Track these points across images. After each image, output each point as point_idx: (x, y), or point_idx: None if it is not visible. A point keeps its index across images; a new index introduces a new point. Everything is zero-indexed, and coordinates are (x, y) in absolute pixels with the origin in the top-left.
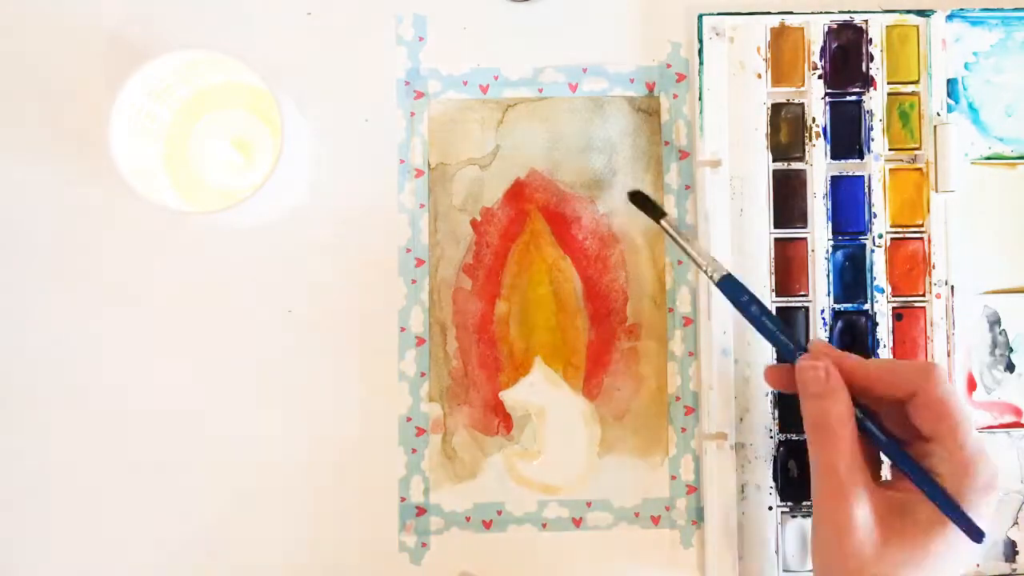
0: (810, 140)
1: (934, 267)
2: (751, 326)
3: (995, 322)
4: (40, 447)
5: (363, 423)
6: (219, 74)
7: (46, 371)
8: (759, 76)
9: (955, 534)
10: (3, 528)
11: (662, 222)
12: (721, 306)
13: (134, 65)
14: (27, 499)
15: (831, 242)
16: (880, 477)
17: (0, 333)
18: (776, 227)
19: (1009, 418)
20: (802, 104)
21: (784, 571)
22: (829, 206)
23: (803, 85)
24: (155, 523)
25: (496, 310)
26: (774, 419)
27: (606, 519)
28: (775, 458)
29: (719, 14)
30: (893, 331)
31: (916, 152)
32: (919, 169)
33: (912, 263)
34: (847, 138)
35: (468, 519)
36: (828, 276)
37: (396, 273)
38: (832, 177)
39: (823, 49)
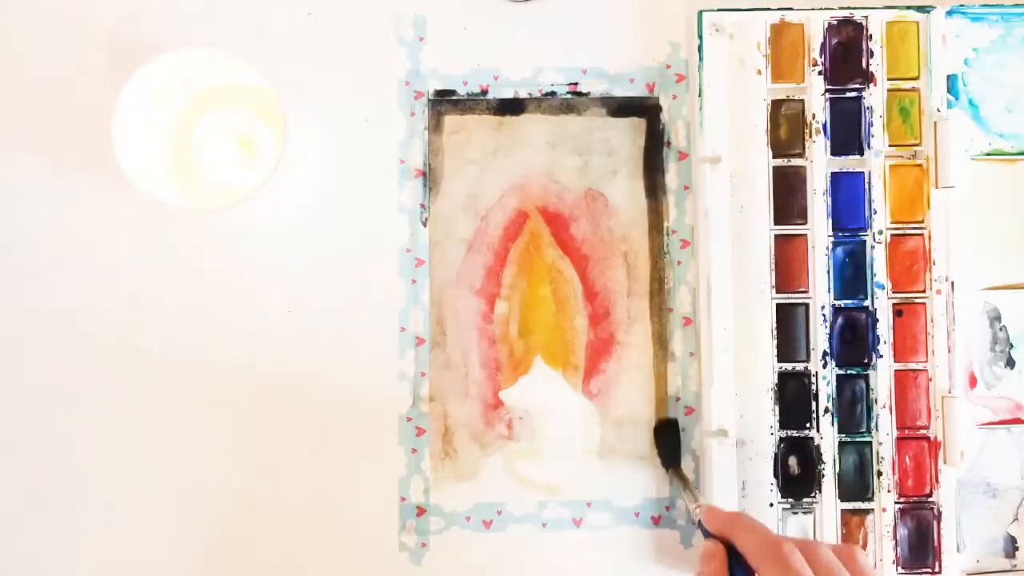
0: (810, 136)
1: (934, 263)
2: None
3: (995, 318)
4: (41, 446)
5: (363, 423)
6: (221, 74)
7: (47, 369)
8: (759, 72)
9: None
10: (6, 528)
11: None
12: (721, 305)
13: (136, 64)
14: (27, 499)
15: (831, 238)
16: None
17: (1, 332)
18: (776, 223)
19: (1009, 414)
20: (802, 100)
21: None
22: (829, 202)
23: (803, 81)
24: (155, 523)
25: (496, 310)
26: (775, 416)
27: (606, 519)
28: (776, 455)
29: (719, 10)
30: (893, 327)
31: (916, 148)
32: (919, 165)
33: (912, 259)
34: (847, 134)
35: (468, 519)
36: (828, 272)
37: (396, 273)
38: (832, 173)
39: (823, 45)
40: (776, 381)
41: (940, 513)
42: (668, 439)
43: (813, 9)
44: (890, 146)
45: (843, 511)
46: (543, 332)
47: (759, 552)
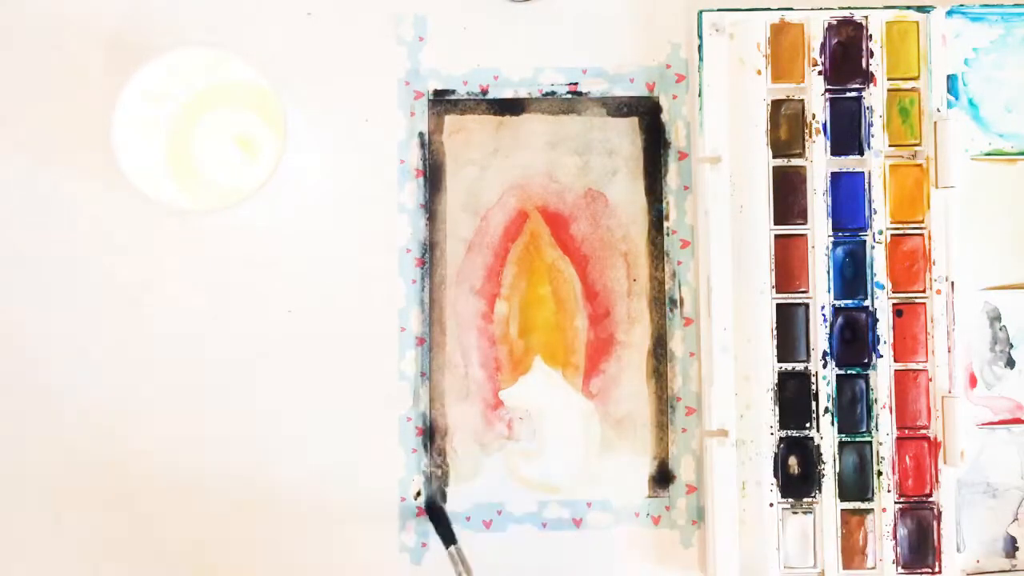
0: (810, 136)
1: (934, 263)
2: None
3: (995, 318)
4: (41, 445)
5: (363, 423)
6: (221, 74)
7: (47, 369)
8: (759, 72)
9: None
10: (6, 526)
11: (451, 549)
12: (721, 305)
13: (136, 64)
14: (28, 498)
15: (831, 238)
16: None
17: (2, 332)
18: (776, 224)
19: (1009, 414)
20: (802, 100)
21: (785, 567)
22: (829, 202)
23: (803, 81)
24: (155, 523)
25: (496, 310)
26: (775, 416)
27: (606, 519)
28: (776, 455)
29: (719, 10)
30: (893, 327)
31: (916, 148)
32: (919, 165)
33: (912, 259)
34: (847, 134)
35: (468, 519)
36: (828, 272)
37: (396, 273)
38: (832, 173)
39: (823, 45)
40: (776, 381)
41: (940, 513)
42: (441, 521)
43: (813, 9)
44: (890, 146)
45: (843, 511)
46: (543, 332)
47: None
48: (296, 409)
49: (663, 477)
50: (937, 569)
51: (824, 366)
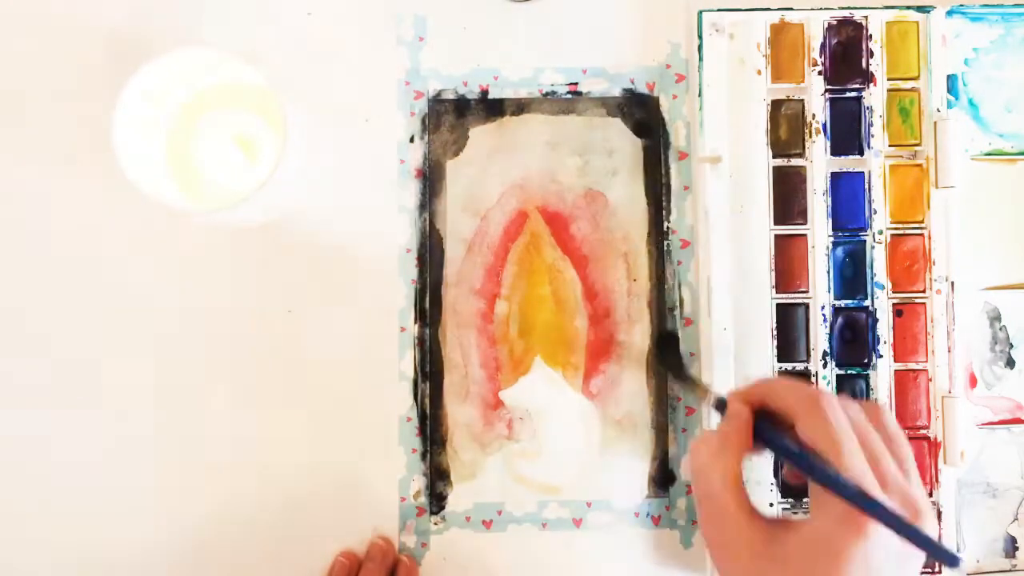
0: (810, 136)
1: (934, 263)
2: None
3: (995, 318)
4: (41, 446)
5: (363, 423)
6: (221, 74)
7: (47, 369)
8: (759, 72)
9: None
10: (3, 528)
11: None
12: (721, 305)
13: (135, 65)
14: (26, 499)
15: (831, 238)
16: None
17: (2, 331)
18: (776, 223)
19: (1009, 414)
20: (802, 100)
21: None
22: (829, 202)
23: (803, 81)
24: (155, 523)
25: (496, 310)
26: None
27: (606, 519)
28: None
29: (719, 10)
30: (893, 327)
31: (916, 148)
32: (919, 165)
33: (912, 259)
34: (847, 134)
35: (468, 519)
36: (828, 272)
37: (396, 273)
38: (832, 173)
39: (823, 45)
40: None
41: (940, 513)
42: (670, 350)
43: (813, 9)
44: (890, 146)
45: None
46: (543, 332)
47: (798, 401)
48: (296, 409)
49: (663, 477)
50: (937, 569)
51: (824, 366)
